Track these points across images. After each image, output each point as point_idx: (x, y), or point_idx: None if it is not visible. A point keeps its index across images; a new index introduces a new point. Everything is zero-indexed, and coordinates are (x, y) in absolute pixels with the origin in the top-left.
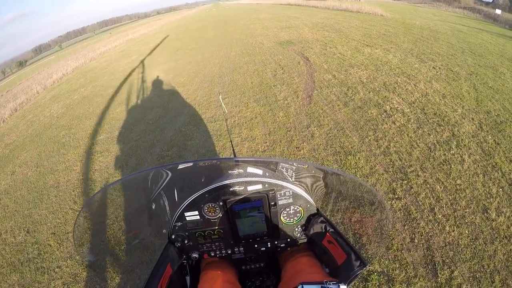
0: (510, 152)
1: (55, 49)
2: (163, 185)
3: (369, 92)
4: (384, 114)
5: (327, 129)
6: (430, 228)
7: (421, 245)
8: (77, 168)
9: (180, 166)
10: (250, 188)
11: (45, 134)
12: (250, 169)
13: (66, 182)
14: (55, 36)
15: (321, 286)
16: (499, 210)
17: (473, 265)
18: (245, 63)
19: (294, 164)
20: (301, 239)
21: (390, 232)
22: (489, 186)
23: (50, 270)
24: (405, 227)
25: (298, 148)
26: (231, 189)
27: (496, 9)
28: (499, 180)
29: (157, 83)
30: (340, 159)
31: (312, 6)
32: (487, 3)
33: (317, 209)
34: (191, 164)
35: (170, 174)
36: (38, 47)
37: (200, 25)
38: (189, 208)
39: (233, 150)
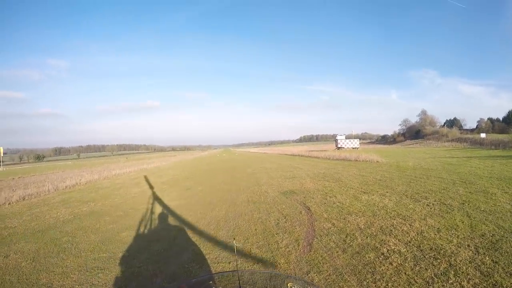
0: (509, 266)
1: (73, 156)
2: None
3: (367, 237)
4: (382, 256)
5: (326, 275)
6: None
7: None
8: (74, 276)
9: None
10: None
11: (47, 233)
12: None
13: (60, 286)
14: (76, 144)
15: None
16: None
17: None
18: (250, 211)
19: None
20: None
21: None
22: None
23: None
24: None
25: (301, 278)
26: None
27: (481, 134)
28: None
29: (165, 217)
30: None
31: (315, 157)
32: (472, 130)
33: None
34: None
35: None
36: (58, 148)
37: (210, 168)
38: None
39: (239, 280)
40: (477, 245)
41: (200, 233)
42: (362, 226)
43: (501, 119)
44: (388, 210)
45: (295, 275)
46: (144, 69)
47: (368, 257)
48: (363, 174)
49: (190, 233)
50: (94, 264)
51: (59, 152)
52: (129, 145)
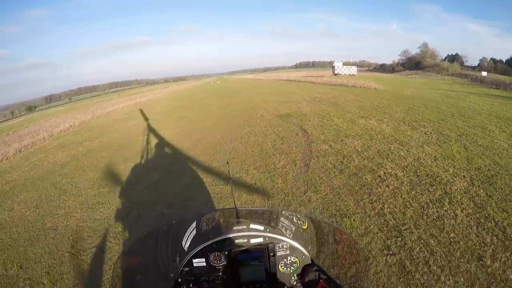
0: (502, 202)
1: (65, 101)
2: (174, 236)
3: (364, 160)
4: (378, 179)
5: (323, 194)
6: (425, 279)
7: None
8: (77, 215)
9: (190, 223)
10: (253, 240)
11: (47, 179)
12: (253, 225)
13: (64, 226)
14: (67, 89)
15: None
16: (494, 257)
17: None
18: (246, 134)
19: (294, 219)
20: (297, 286)
21: (382, 285)
22: (483, 236)
23: None
24: (400, 280)
25: (296, 210)
26: (236, 241)
27: (482, 72)
28: (492, 229)
29: (161, 146)
30: (336, 221)
31: (311, 82)
32: (474, 68)
33: (312, 260)
34: (200, 219)
35: (182, 227)
36: (49, 96)
37: (204, 96)
38: (197, 255)
39: (237, 213)
40: (472, 177)
41: (196, 158)
42: (359, 149)
43: (504, 60)
44: (385, 135)
45: (292, 195)
46: (130, 5)
47: (365, 178)
48: (361, 100)
49: (187, 159)
50: (95, 200)
51: (50, 99)
52: (121, 81)
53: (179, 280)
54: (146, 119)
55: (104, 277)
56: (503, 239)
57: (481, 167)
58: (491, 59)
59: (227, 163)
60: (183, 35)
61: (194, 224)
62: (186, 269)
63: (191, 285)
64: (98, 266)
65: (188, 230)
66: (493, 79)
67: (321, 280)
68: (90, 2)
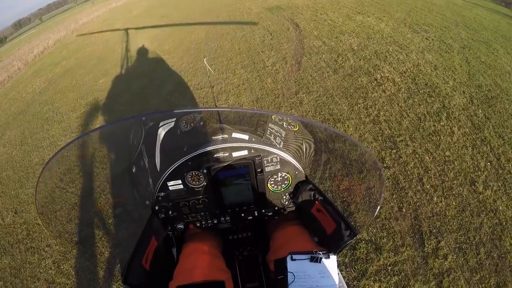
0: (499, 127)
1: (35, 22)
2: (144, 145)
3: (360, 60)
4: (375, 82)
5: (316, 96)
6: (418, 198)
7: (408, 214)
8: (61, 143)
9: (162, 126)
10: (235, 154)
11: (28, 111)
12: (236, 134)
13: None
14: (35, 9)
15: (310, 256)
16: (486, 184)
17: (459, 236)
18: (232, 29)
19: (284, 124)
20: (289, 207)
21: (382, 199)
22: (478, 160)
23: (40, 250)
24: (393, 196)
25: (287, 113)
26: (215, 155)
27: None
28: (487, 154)
29: (142, 52)
30: (329, 126)
31: None
32: None
33: (306, 176)
34: (173, 123)
35: (151, 132)
36: (18, 22)
37: None
38: (172, 177)
39: (219, 117)
40: (472, 94)
41: (179, 60)
42: (355, 48)
43: None
44: (384, 35)
45: (283, 96)
46: None
47: (361, 81)
48: None
49: (169, 62)
50: (78, 123)
51: (19, 25)
52: None
53: (156, 207)
54: (124, 24)
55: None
56: (496, 167)
57: (481, 86)
58: None
59: (204, 57)
60: None
61: (167, 134)
62: (162, 194)
63: (170, 212)
64: (89, 198)
65: (159, 142)
66: None
67: (316, 202)
68: None
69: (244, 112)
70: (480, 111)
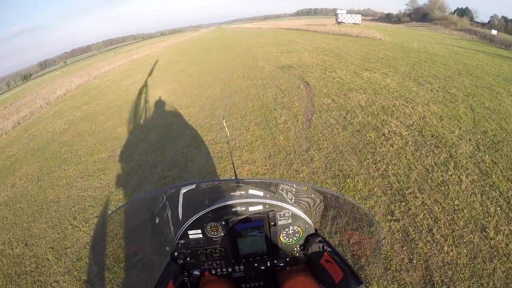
0: (507, 170)
1: (60, 65)
2: (168, 205)
3: (368, 116)
4: (383, 137)
5: (326, 153)
6: (428, 249)
7: (419, 265)
8: (78, 184)
9: (184, 189)
10: (252, 208)
11: (47, 149)
12: (252, 191)
13: (66, 197)
14: (61, 52)
15: None
16: (497, 229)
17: (472, 283)
18: (246, 87)
19: (294, 186)
20: (299, 258)
21: (385, 253)
22: (487, 205)
23: (47, 284)
24: (404, 248)
25: (297, 171)
26: (233, 209)
27: (492, 30)
28: (497, 199)
29: (160, 104)
30: (339, 182)
31: (313, 31)
32: (483, 24)
33: (315, 230)
34: (194, 186)
35: (173, 195)
36: (43, 62)
37: (203, 47)
38: (193, 226)
39: (235, 172)
40: (478, 141)
41: (196, 115)
42: (363, 104)
43: None
44: (390, 90)
45: (294, 153)
46: None
47: (369, 136)
48: (365, 51)
49: (186, 116)
50: (95, 167)
51: (44, 65)
52: (116, 38)
53: (175, 254)
54: (144, 76)
55: (107, 249)
56: (507, 211)
57: (487, 131)
58: (503, 17)
59: (224, 119)
60: None
61: (189, 192)
62: (182, 241)
63: (188, 259)
64: (101, 237)
65: (183, 199)
66: (503, 39)
67: (325, 253)
68: None
69: (259, 180)
70: (487, 157)
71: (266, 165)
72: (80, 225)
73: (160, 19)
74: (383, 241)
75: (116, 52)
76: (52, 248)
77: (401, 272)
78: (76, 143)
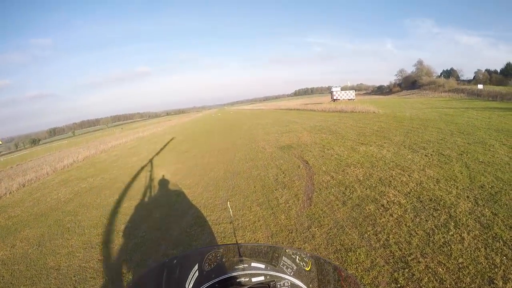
0: (509, 219)
1: (68, 134)
2: (178, 274)
3: (366, 189)
4: (382, 208)
5: (327, 229)
6: None
7: None
8: (80, 255)
9: (195, 263)
10: (254, 279)
11: (50, 216)
12: (254, 264)
13: (67, 266)
14: (70, 122)
15: None
16: (505, 278)
17: None
18: (248, 168)
19: (297, 259)
20: None
21: None
22: (492, 257)
23: None
24: None
25: (299, 249)
26: (238, 280)
27: (478, 85)
28: (501, 249)
29: (164, 183)
30: (341, 256)
31: (310, 110)
32: (469, 81)
33: None
34: (198, 255)
35: (183, 265)
36: (52, 129)
37: (206, 129)
38: None
39: (239, 251)
40: (476, 196)
41: (199, 195)
42: (361, 178)
43: (498, 71)
44: (386, 161)
45: (296, 231)
46: (131, 35)
47: (368, 209)
48: (360, 126)
49: (189, 196)
50: (98, 240)
51: (53, 132)
52: (123, 115)
53: None
54: (148, 154)
55: None
56: None
57: (484, 185)
58: (486, 70)
59: (228, 201)
60: (182, 64)
61: (196, 263)
62: None
63: None
64: None
65: (190, 270)
66: (489, 91)
67: None
68: (90, 31)
69: (262, 245)
70: (487, 210)
71: (268, 243)
72: None
73: (165, 99)
74: None
75: (123, 128)
76: None
77: None
78: (80, 214)
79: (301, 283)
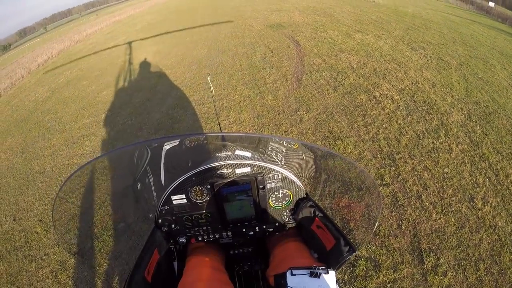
0: (497, 143)
1: (40, 31)
2: (149, 164)
3: (359, 78)
4: (374, 100)
5: (316, 114)
6: (417, 215)
7: (408, 231)
8: (62, 153)
9: (167, 145)
10: (238, 171)
11: (30, 119)
12: (239, 152)
13: (52, 167)
14: (40, 18)
15: (310, 271)
16: (485, 200)
17: (458, 253)
18: (234, 46)
19: (284, 143)
20: (289, 223)
21: (380, 217)
22: (476, 176)
23: (38, 258)
24: (393, 214)
25: (286, 132)
26: (218, 171)
27: (490, 2)
28: (486, 170)
29: (144, 65)
30: (329, 143)
31: None
32: None
33: (306, 193)
34: (177, 142)
35: (156, 152)
36: (22, 30)
37: (189, 6)
38: (176, 191)
39: (221, 129)
40: (470, 111)
41: (181, 75)
42: (355, 66)
43: None
44: (383, 53)
45: (283, 113)
46: None
47: (360, 98)
48: (358, 12)
49: (171, 77)
50: (79, 134)
51: (24, 33)
52: (97, 0)
53: (159, 221)
54: (128, 37)
55: (95, 217)
56: (495, 183)
57: (479, 102)
58: None
59: (208, 75)
60: None
61: (172, 151)
62: (166, 208)
63: (173, 226)
64: (89, 206)
65: (165, 159)
66: (500, 12)
67: (316, 218)
68: None
69: (248, 134)
70: (478, 128)
71: (254, 126)
72: (67, 196)
73: None
74: (380, 202)
75: (98, 15)
76: (41, 220)
77: (389, 237)
78: (59, 111)
79: (292, 175)
